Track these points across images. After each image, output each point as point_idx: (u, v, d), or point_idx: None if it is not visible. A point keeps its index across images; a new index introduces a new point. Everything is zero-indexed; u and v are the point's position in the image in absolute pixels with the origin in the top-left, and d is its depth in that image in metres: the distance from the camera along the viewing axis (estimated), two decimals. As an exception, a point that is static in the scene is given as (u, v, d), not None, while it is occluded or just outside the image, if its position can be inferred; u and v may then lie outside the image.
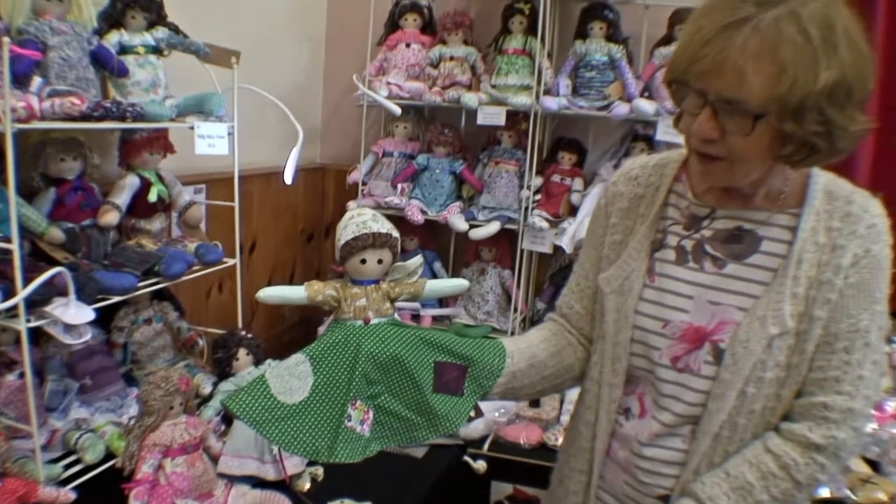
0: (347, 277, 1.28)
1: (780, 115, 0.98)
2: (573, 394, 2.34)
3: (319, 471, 1.80)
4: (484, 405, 2.02)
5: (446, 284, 1.42)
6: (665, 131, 2.41)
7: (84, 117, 1.45)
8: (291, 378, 1.18)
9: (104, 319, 1.85)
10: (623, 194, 1.29)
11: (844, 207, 1.12)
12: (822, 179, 1.15)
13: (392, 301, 1.29)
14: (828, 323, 1.09)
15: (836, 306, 1.09)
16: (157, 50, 1.81)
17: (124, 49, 1.76)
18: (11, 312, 1.36)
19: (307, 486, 1.76)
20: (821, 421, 1.10)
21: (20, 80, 1.44)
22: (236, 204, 2.00)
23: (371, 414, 1.21)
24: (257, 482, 1.70)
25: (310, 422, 1.17)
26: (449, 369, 1.24)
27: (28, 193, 1.63)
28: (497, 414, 2.24)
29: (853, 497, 1.86)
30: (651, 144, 2.55)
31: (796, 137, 1.00)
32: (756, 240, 1.15)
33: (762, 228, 1.15)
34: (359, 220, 1.25)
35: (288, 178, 1.99)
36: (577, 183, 2.64)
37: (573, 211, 2.61)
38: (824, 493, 1.85)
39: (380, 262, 1.26)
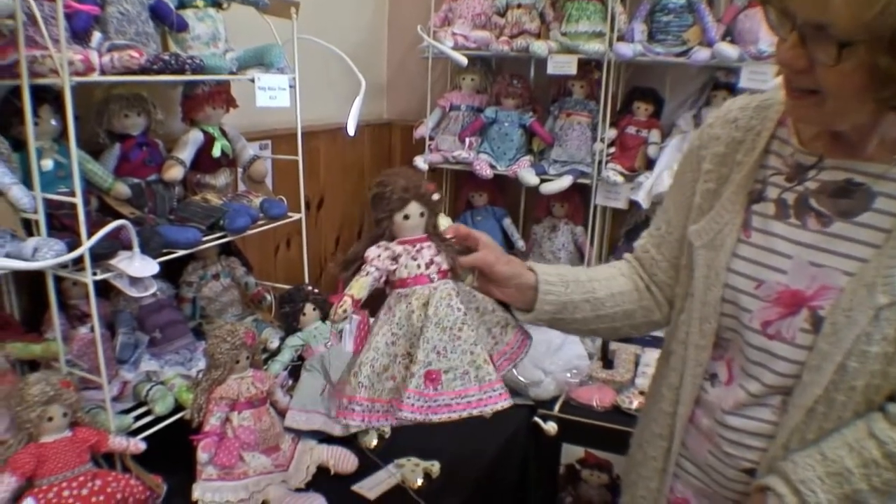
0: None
1: (871, 46, 0.85)
2: (648, 356, 2.27)
3: (386, 427, 1.78)
4: (555, 366, 1.98)
5: None
6: (749, 78, 2.25)
7: (143, 70, 1.43)
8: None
9: (173, 274, 1.87)
10: (719, 138, 1.18)
11: None
12: None
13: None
14: None
15: None
16: (216, 3, 1.78)
17: (183, 3, 1.73)
18: (79, 266, 1.37)
19: (374, 442, 1.76)
20: None
21: (80, 37, 1.43)
22: (300, 158, 1.99)
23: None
24: (324, 437, 1.70)
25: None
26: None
27: (94, 150, 1.64)
28: (569, 375, 2.15)
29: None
30: (733, 93, 2.39)
31: (893, 76, 0.87)
32: (869, 195, 1.01)
33: (877, 183, 1.01)
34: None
35: (351, 130, 1.95)
36: (654, 135, 2.52)
37: (650, 164, 2.51)
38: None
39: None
